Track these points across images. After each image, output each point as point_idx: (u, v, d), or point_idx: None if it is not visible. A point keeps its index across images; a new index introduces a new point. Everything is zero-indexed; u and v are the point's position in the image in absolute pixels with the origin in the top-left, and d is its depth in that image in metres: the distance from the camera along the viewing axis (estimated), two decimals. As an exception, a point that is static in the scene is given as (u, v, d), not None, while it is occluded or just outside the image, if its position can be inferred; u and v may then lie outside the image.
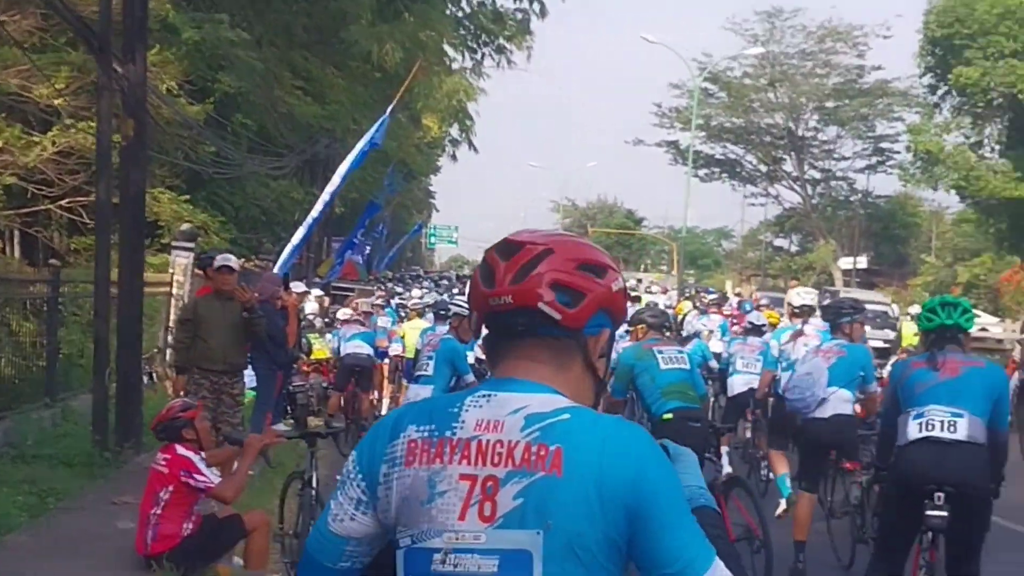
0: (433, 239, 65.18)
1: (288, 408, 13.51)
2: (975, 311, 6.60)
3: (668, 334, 8.75)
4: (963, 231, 50.31)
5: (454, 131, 54.09)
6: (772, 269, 68.05)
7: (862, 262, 57.28)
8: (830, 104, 56.42)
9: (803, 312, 10.65)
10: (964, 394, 5.47)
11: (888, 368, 10.58)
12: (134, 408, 10.70)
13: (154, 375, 14.34)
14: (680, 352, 8.10)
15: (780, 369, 10.06)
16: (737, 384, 11.68)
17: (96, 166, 11.85)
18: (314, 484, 6.65)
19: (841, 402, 7.80)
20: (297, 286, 21.16)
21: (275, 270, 15.74)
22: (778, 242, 73.08)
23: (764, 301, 22.03)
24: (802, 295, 11.30)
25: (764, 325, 12.47)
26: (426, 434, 1.96)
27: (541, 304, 1.95)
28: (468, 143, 55.97)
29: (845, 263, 57.73)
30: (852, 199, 63.90)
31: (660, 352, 7.85)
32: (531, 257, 1.98)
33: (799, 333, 10.16)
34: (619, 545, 1.89)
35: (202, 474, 6.43)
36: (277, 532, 7.11)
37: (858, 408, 8.38)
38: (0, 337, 12.00)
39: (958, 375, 5.52)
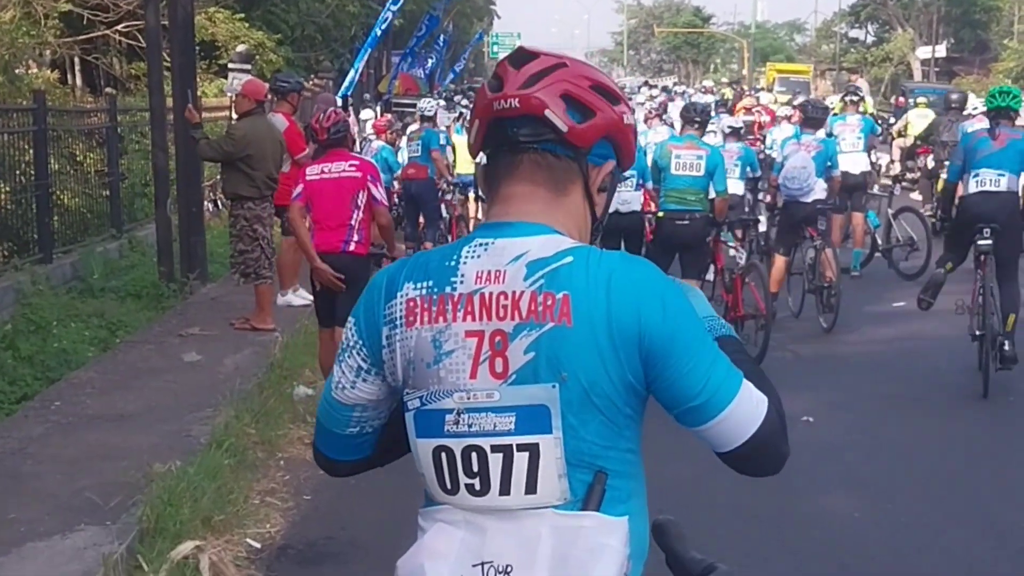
0: (495, 48, 63.41)
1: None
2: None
3: (699, 130, 9.01)
4: (1047, 13, 47.91)
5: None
6: (848, 62, 65.83)
7: (941, 50, 55.08)
8: None
9: None
10: (1005, 160, 7.80)
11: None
12: (197, 238, 10.69)
13: (219, 202, 14.34)
14: (698, 158, 8.67)
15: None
16: None
17: (143, -11, 11.62)
18: None
19: (820, 190, 9.93)
20: (365, 113, 20.74)
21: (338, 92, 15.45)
22: (853, 33, 70.48)
23: None
24: None
25: None
26: (424, 291, 1.88)
27: (548, 112, 1.86)
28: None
29: (923, 52, 55.62)
30: (931, -17, 61.10)
31: (677, 156, 8.67)
32: (544, 67, 1.90)
33: None
34: (637, 387, 1.83)
35: (381, 186, 6.77)
36: None
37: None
38: (65, 169, 12.05)
39: (1004, 146, 7.81)
